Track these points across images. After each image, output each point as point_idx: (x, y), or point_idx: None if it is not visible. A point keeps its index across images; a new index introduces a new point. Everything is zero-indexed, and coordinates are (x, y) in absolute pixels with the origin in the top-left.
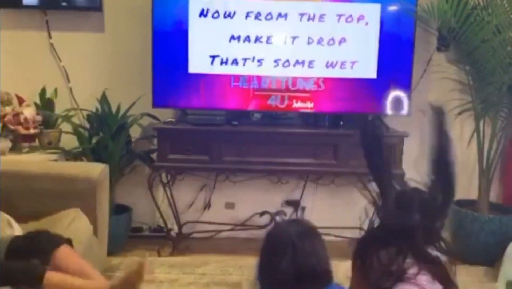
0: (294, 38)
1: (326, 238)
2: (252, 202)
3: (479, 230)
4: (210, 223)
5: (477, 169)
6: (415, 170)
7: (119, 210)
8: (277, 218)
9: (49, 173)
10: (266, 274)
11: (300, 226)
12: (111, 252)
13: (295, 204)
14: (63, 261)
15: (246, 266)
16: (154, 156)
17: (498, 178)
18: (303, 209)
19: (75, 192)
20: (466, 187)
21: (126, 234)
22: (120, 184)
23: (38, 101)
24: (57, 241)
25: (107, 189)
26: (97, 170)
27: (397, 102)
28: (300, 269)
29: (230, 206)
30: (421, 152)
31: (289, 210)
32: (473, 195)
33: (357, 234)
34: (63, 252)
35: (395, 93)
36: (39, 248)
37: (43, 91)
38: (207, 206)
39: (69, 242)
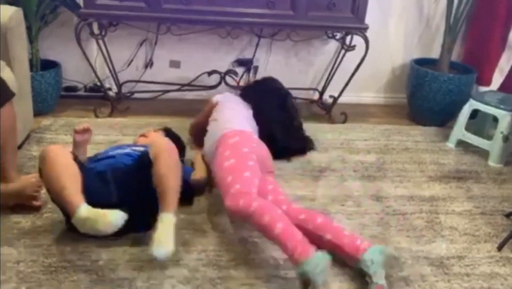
0: None
1: None
2: (200, 60)
3: (438, 90)
4: (153, 82)
5: (442, 27)
6: None
7: (47, 66)
8: (227, 78)
9: None
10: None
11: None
12: (40, 112)
13: (247, 63)
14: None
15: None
16: (81, 1)
17: (461, 36)
18: (256, 68)
19: None
20: (428, 45)
21: (57, 93)
22: (46, 36)
23: None
24: (7, 95)
25: (22, 38)
26: (6, 14)
27: None
28: None
29: (175, 64)
30: None
31: (240, 70)
32: (434, 54)
33: (311, 95)
34: (6, 113)
35: None
36: None
37: None
38: (149, 63)
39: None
